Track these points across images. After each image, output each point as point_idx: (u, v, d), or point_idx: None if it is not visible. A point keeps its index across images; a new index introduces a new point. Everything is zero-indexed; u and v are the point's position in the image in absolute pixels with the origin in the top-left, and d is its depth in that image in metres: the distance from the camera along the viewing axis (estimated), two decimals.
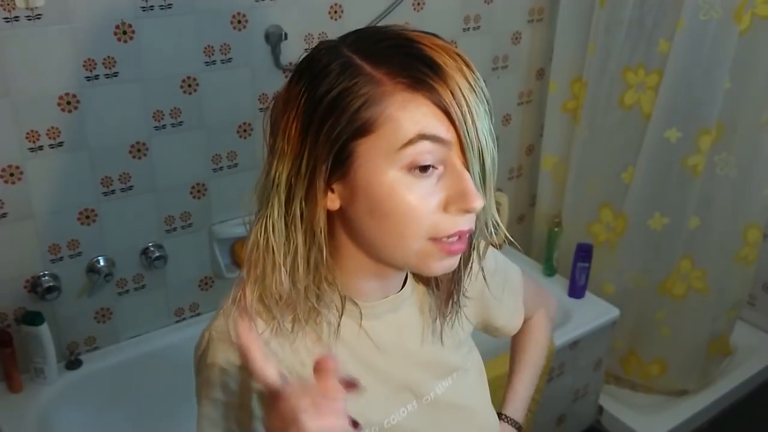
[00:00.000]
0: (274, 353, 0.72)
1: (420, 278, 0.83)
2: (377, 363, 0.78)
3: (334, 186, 0.67)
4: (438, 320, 0.83)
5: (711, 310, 2.15)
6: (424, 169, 0.64)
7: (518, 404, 1.05)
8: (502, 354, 1.22)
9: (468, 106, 0.64)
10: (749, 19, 1.83)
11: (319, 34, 1.78)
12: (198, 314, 1.88)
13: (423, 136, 0.63)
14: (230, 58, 1.67)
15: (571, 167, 2.25)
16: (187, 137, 1.68)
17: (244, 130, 1.76)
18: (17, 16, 1.37)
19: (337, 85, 0.64)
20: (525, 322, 1.04)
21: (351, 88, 0.63)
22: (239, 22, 1.65)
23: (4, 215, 1.50)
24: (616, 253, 2.16)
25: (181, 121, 1.66)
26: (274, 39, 1.70)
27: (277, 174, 0.67)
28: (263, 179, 0.70)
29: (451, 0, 1.99)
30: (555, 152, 2.31)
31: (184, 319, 1.87)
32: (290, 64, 1.75)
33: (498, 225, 0.74)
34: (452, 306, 0.81)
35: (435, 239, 0.67)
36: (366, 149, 0.64)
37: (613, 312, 2.03)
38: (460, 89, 0.63)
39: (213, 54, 1.64)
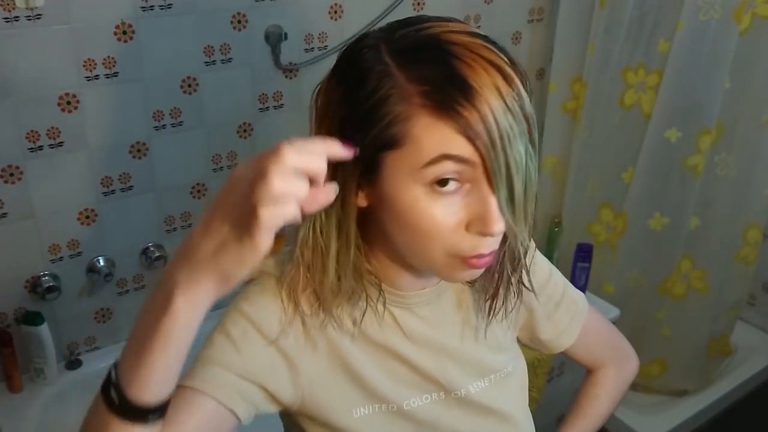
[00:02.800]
0: (295, 341, 0.75)
1: None
2: (403, 349, 0.78)
3: (363, 186, 0.69)
4: (477, 317, 0.83)
5: (711, 310, 2.15)
6: (443, 182, 0.63)
7: None
8: None
9: (499, 129, 0.61)
10: (749, 19, 1.83)
11: (319, 34, 1.78)
12: None
13: (445, 156, 0.62)
14: (230, 58, 1.67)
15: (571, 167, 2.25)
16: (187, 137, 1.68)
17: (244, 130, 1.76)
18: (17, 16, 1.37)
19: (372, 95, 0.64)
20: (592, 374, 1.03)
21: (384, 102, 0.63)
22: (239, 22, 1.65)
23: (4, 215, 1.50)
24: (616, 253, 2.16)
25: (181, 121, 1.66)
26: (274, 39, 1.70)
27: None
28: None
29: (451, 0, 1.99)
30: (555, 152, 2.31)
31: None
32: (290, 63, 1.75)
33: (526, 251, 0.74)
34: (496, 305, 0.81)
35: (456, 256, 0.67)
36: (392, 162, 0.65)
37: (613, 312, 2.02)
38: (493, 113, 0.60)
39: (213, 54, 1.64)
